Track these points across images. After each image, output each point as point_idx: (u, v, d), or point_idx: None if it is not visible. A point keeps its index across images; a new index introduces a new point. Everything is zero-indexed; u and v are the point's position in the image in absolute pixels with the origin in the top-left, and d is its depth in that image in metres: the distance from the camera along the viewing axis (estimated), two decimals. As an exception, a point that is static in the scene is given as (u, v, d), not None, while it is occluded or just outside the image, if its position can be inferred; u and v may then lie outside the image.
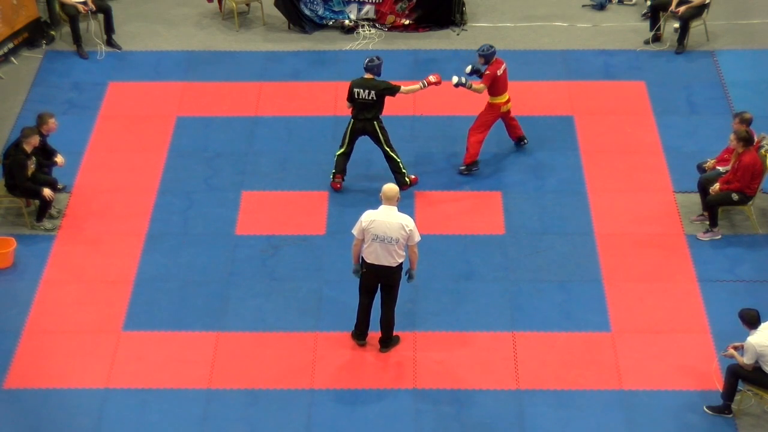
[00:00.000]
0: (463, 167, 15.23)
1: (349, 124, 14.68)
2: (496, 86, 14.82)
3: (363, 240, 12.31)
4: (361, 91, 14.41)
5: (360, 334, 12.93)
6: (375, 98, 14.41)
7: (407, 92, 14.75)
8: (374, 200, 13.57)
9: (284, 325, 13.26)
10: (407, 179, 14.82)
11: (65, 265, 14.04)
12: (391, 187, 12.32)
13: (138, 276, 13.88)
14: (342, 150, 14.76)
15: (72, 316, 13.40)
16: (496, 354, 12.92)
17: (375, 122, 14.53)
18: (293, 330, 13.20)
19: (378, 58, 14.54)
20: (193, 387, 12.56)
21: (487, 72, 14.73)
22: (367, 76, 14.50)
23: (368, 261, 12.37)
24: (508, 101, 15.06)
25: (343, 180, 14.90)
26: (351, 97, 14.55)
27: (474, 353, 12.93)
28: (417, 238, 12.31)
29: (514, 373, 12.70)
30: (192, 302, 13.55)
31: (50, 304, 13.55)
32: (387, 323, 12.75)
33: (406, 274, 12.60)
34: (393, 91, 14.52)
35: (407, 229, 12.21)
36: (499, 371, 12.73)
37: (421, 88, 14.70)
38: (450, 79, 14.84)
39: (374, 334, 12.95)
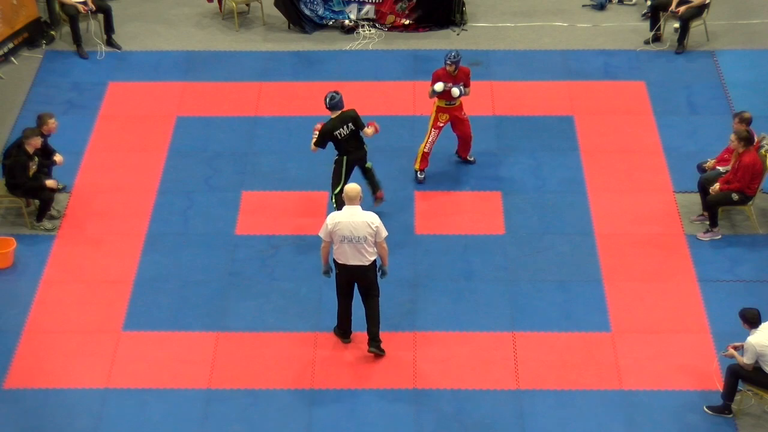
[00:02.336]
0: (473, 158, 15.41)
1: (342, 162, 14.09)
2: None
3: (331, 242, 12.32)
4: (342, 129, 13.91)
5: (344, 333, 12.97)
6: (354, 128, 14.01)
7: (366, 133, 14.20)
8: (373, 201, 13.69)
9: (284, 325, 13.26)
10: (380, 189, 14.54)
11: (65, 265, 14.04)
12: (353, 187, 12.31)
13: (138, 276, 13.88)
14: (339, 188, 14.08)
15: (72, 316, 13.40)
16: (496, 354, 12.92)
17: (365, 146, 14.14)
18: (293, 330, 13.20)
19: (338, 93, 13.96)
20: (193, 387, 12.56)
21: (469, 74, 14.78)
22: (335, 113, 13.93)
23: (340, 262, 12.37)
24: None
25: None
26: (326, 141, 13.96)
27: (474, 353, 12.93)
28: (384, 233, 12.32)
29: (514, 373, 12.70)
30: (192, 302, 13.55)
31: (50, 304, 13.55)
32: (372, 317, 12.66)
33: (379, 271, 12.59)
34: (362, 122, 14.07)
35: (373, 226, 12.22)
36: (499, 371, 12.73)
37: (371, 131, 14.23)
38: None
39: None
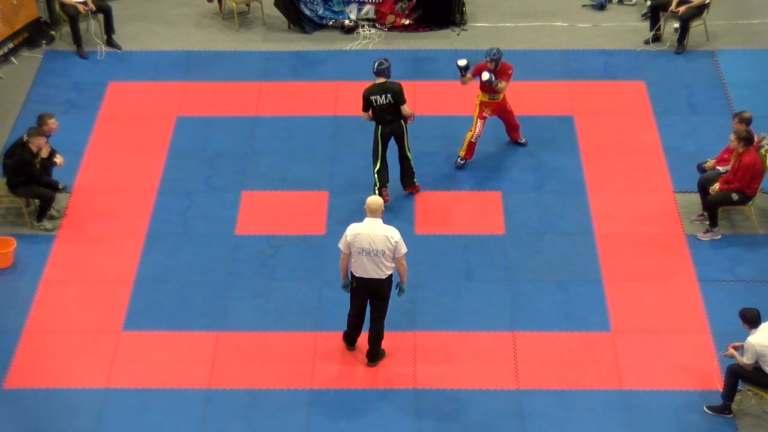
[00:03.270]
0: (524, 140, 15.60)
1: (377, 132, 14.35)
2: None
3: (350, 254, 12.27)
4: (379, 97, 14.11)
5: (350, 341, 12.93)
6: (392, 101, 14.17)
7: (404, 111, 14.32)
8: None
9: (284, 325, 13.27)
10: (415, 182, 14.83)
11: (65, 265, 14.04)
12: (374, 200, 12.18)
13: (138, 276, 13.88)
14: (379, 165, 14.45)
15: (72, 316, 13.40)
16: (496, 354, 12.92)
17: (402, 121, 14.31)
18: (293, 330, 13.20)
19: (387, 60, 14.28)
20: (193, 387, 12.56)
21: (510, 72, 14.89)
22: (380, 80, 14.21)
23: (357, 275, 12.28)
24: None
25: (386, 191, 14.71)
26: (368, 106, 14.24)
27: (474, 353, 12.93)
28: (403, 249, 12.19)
29: (514, 373, 12.70)
30: (192, 302, 13.55)
31: (50, 304, 13.55)
32: (376, 337, 12.65)
33: (396, 288, 12.53)
34: (403, 98, 14.22)
35: (393, 241, 12.09)
36: (499, 371, 12.73)
37: (409, 115, 14.41)
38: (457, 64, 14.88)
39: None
